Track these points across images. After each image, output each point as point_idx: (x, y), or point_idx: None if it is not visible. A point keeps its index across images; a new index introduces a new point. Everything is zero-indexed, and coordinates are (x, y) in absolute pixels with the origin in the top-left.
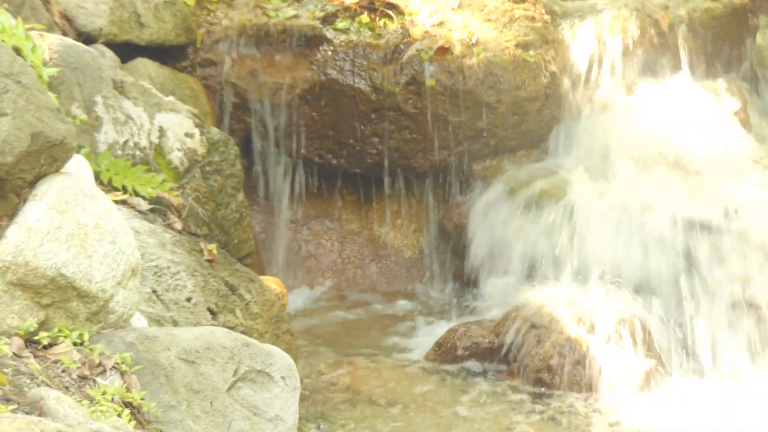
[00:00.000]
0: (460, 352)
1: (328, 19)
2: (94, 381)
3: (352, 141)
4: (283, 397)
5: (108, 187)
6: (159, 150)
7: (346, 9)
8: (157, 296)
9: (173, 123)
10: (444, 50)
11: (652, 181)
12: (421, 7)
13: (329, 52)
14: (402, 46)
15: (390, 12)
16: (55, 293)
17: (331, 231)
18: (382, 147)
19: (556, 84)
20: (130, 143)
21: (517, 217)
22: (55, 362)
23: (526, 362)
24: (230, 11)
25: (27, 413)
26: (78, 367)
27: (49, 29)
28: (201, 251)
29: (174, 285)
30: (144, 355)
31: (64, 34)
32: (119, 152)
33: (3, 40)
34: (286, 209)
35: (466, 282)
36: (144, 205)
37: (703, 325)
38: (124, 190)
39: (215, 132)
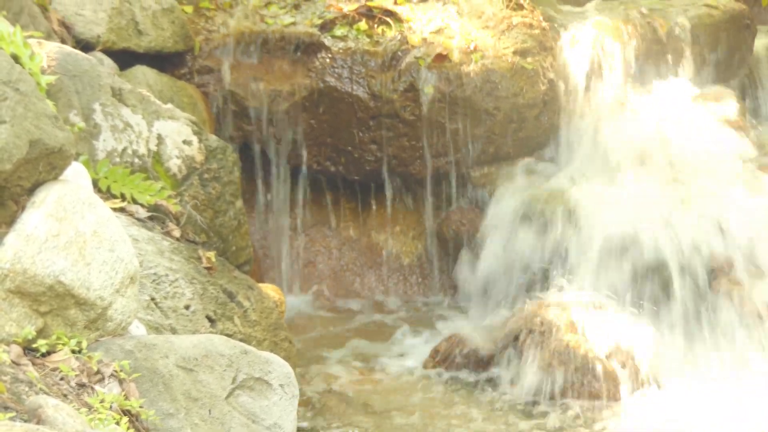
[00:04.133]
0: (458, 359)
1: (326, 27)
2: (93, 389)
3: (350, 148)
4: (282, 404)
5: (106, 194)
6: (157, 157)
7: (344, 16)
8: (156, 304)
9: (171, 130)
10: (442, 57)
11: (650, 190)
12: (420, 15)
13: (327, 60)
14: (400, 53)
15: (388, 19)
16: (53, 301)
17: (329, 238)
18: (381, 154)
19: (554, 91)
20: (129, 151)
21: (520, 226)
22: (54, 370)
23: (525, 369)
24: (228, 18)
25: (25, 421)
26: (76, 375)
27: (48, 37)
28: (199, 259)
29: (172, 293)
30: (142, 362)
31: (63, 41)
32: (117, 160)
33: (1, 48)
34: (284, 216)
35: (465, 289)
36: (142, 213)
37: (701, 327)
38: (123, 197)
39: (213, 139)
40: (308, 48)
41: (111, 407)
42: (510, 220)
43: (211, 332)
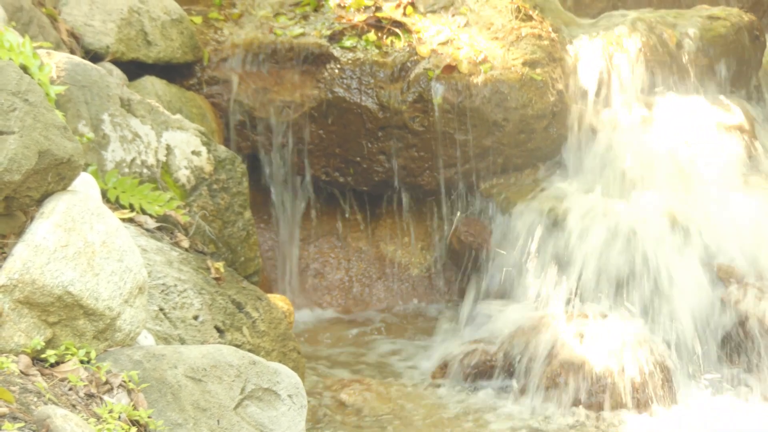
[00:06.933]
0: (467, 370)
1: (335, 37)
2: (101, 399)
3: (359, 159)
4: (290, 415)
5: (115, 205)
6: (166, 168)
7: (353, 27)
8: (165, 314)
9: (180, 141)
10: (451, 68)
11: (660, 201)
12: (429, 26)
13: (336, 70)
14: (409, 64)
15: (397, 30)
16: (62, 311)
17: (338, 249)
18: (389, 165)
19: (563, 102)
20: (138, 161)
21: (528, 237)
22: (62, 380)
23: (534, 380)
24: (237, 29)
25: (34, 431)
26: (85, 385)
27: (57, 47)
28: (208, 269)
29: (181, 303)
30: (151, 373)
31: (72, 52)
32: (126, 170)
33: (11, 59)
34: (293, 227)
35: (474, 299)
36: (151, 223)
37: (708, 341)
38: (132, 208)
39: (222, 150)
40: (317, 59)
41: (119, 417)
42: (519, 231)
43: (219, 343)
